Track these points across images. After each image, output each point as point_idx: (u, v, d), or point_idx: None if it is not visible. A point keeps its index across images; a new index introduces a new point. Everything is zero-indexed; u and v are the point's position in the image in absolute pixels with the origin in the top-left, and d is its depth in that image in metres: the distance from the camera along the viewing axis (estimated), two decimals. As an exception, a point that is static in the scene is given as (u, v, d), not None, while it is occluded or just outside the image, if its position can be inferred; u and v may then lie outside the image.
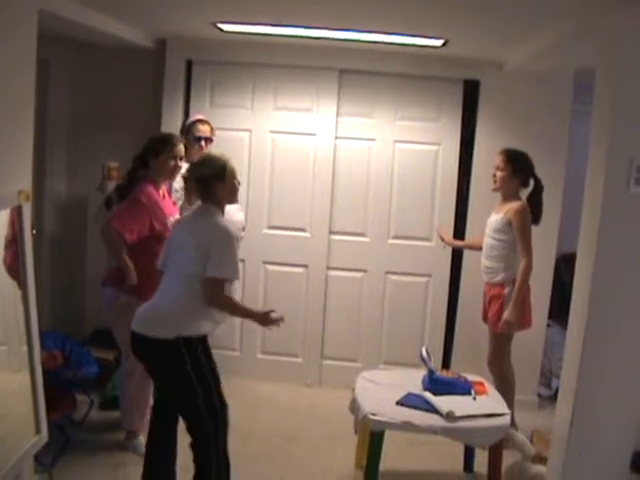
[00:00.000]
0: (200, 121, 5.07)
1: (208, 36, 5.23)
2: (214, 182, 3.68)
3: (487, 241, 4.72)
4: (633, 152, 3.14)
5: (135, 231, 4.18)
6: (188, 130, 5.03)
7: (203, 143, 5.02)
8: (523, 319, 4.64)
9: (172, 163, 4.39)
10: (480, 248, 4.86)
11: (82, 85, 5.73)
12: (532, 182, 4.70)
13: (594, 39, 3.49)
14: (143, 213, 4.22)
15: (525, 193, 4.72)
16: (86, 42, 5.29)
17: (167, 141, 4.40)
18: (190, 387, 3.57)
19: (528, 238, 4.53)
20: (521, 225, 4.51)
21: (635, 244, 3.23)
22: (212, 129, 5.11)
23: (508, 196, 4.64)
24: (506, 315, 4.57)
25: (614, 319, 3.27)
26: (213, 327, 3.72)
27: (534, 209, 4.64)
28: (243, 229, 5.18)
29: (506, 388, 4.58)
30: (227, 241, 3.61)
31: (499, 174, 4.63)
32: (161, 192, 4.40)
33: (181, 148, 4.46)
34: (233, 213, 5.04)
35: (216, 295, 3.59)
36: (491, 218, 4.73)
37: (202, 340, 3.74)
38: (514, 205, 4.55)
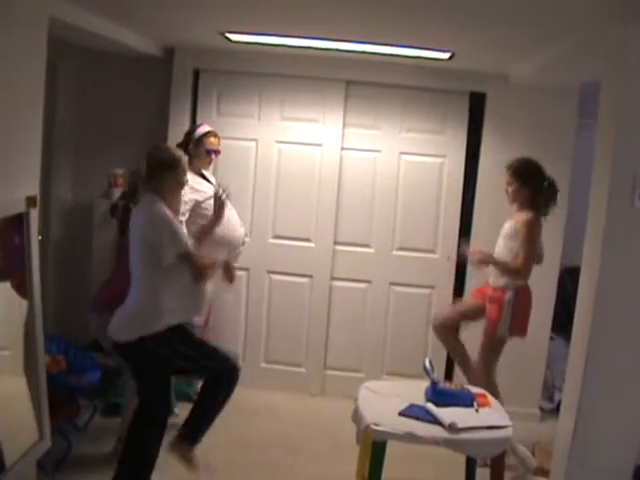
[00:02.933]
0: (211, 133, 5.06)
1: (216, 45, 5.26)
2: (166, 170, 3.78)
3: (497, 246, 4.75)
4: (637, 167, 3.16)
5: None
6: (199, 141, 5.00)
7: (213, 156, 5.06)
8: (518, 325, 4.65)
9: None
10: None
11: (90, 92, 5.76)
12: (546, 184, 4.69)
13: (599, 54, 3.52)
14: None
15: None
16: (94, 49, 5.32)
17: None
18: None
19: (531, 247, 4.54)
20: (527, 236, 4.52)
21: (639, 258, 3.24)
22: (220, 140, 5.14)
23: (521, 206, 4.67)
24: (482, 254, 4.71)
25: (617, 333, 3.28)
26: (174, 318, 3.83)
27: (545, 206, 4.66)
28: (243, 243, 5.19)
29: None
30: (168, 224, 3.73)
31: (510, 189, 4.67)
32: None
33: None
34: (235, 228, 5.05)
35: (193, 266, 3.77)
36: (504, 226, 4.75)
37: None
38: (524, 215, 4.58)
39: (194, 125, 5.33)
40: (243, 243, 5.18)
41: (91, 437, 4.65)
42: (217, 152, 5.08)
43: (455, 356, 5.09)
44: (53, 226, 5.69)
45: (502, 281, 4.65)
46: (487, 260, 4.72)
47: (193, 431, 3.98)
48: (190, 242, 3.89)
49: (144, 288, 3.77)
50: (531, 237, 4.55)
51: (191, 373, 4.14)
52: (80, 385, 4.63)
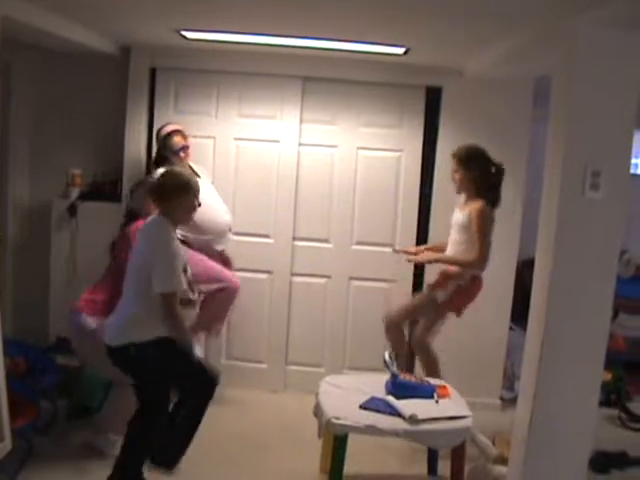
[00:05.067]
0: (175, 132, 5.17)
1: (172, 44, 5.24)
2: (175, 196, 3.79)
3: (451, 237, 4.76)
4: (588, 158, 3.21)
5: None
6: (164, 143, 5.14)
7: (182, 154, 5.16)
8: (455, 304, 4.71)
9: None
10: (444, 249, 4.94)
11: (46, 92, 5.71)
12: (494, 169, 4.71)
13: (550, 47, 3.56)
14: None
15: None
16: (50, 48, 5.28)
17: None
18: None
19: (485, 237, 4.53)
20: (480, 225, 4.52)
21: (591, 247, 3.30)
22: (186, 136, 5.22)
23: (469, 193, 4.68)
24: (427, 254, 4.81)
25: (572, 321, 3.33)
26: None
27: (492, 193, 4.68)
28: (230, 230, 5.24)
29: (432, 361, 4.75)
30: (170, 255, 3.72)
31: (457, 176, 4.68)
32: None
33: None
34: (219, 214, 5.10)
35: (168, 308, 3.71)
36: (455, 215, 4.75)
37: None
38: (475, 205, 4.58)
39: (161, 126, 5.31)
40: (230, 229, 5.21)
41: (53, 439, 4.62)
42: (185, 148, 5.19)
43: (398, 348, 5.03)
44: (10, 226, 5.64)
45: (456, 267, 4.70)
46: (435, 260, 4.79)
47: (170, 456, 4.05)
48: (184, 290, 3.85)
49: (138, 301, 3.78)
50: (485, 226, 4.54)
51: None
52: (40, 387, 4.60)
